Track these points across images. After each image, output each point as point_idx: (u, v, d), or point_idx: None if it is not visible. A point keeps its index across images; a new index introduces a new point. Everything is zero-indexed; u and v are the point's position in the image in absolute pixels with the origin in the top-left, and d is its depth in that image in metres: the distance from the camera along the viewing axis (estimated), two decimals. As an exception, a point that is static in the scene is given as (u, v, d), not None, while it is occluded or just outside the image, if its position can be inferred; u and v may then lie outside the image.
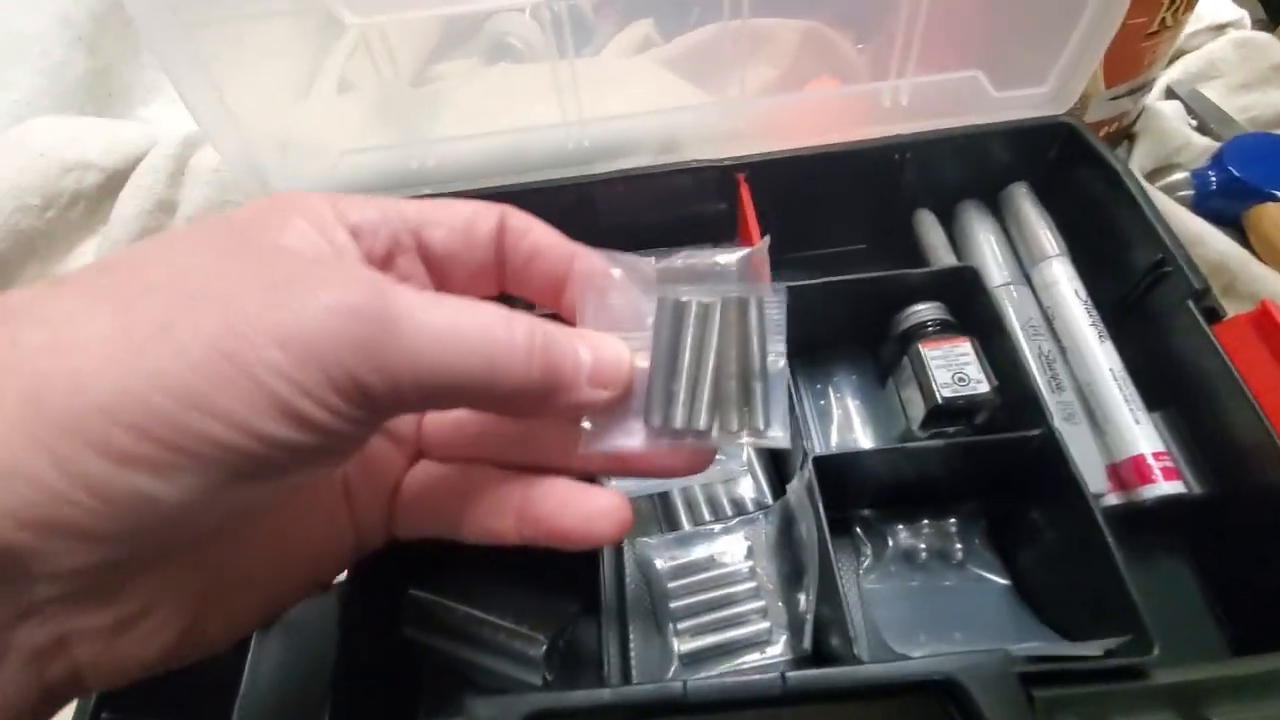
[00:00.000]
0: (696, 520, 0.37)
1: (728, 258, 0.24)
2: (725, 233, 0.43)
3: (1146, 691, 0.26)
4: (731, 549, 0.36)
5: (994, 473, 0.34)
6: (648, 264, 0.24)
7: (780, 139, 0.42)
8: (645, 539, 0.36)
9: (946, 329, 0.36)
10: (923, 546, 0.36)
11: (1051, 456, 0.30)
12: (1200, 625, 0.34)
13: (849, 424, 0.40)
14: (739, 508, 0.38)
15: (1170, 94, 0.60)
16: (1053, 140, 0.41)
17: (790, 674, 0.25)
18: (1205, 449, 0.34)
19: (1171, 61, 0.62)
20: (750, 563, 0.36)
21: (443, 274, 0.23)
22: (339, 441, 0.17)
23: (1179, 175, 0.49)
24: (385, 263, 0.22)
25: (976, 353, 0.35)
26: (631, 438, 0.22)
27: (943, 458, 0.33)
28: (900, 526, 0.36)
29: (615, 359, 0.21)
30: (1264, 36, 0.60)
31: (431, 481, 0.24)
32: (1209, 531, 0.34)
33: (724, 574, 0.35)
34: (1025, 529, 0.34)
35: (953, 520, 0.36)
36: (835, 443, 0.39)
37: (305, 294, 0.16)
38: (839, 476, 0.33)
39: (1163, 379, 0.36)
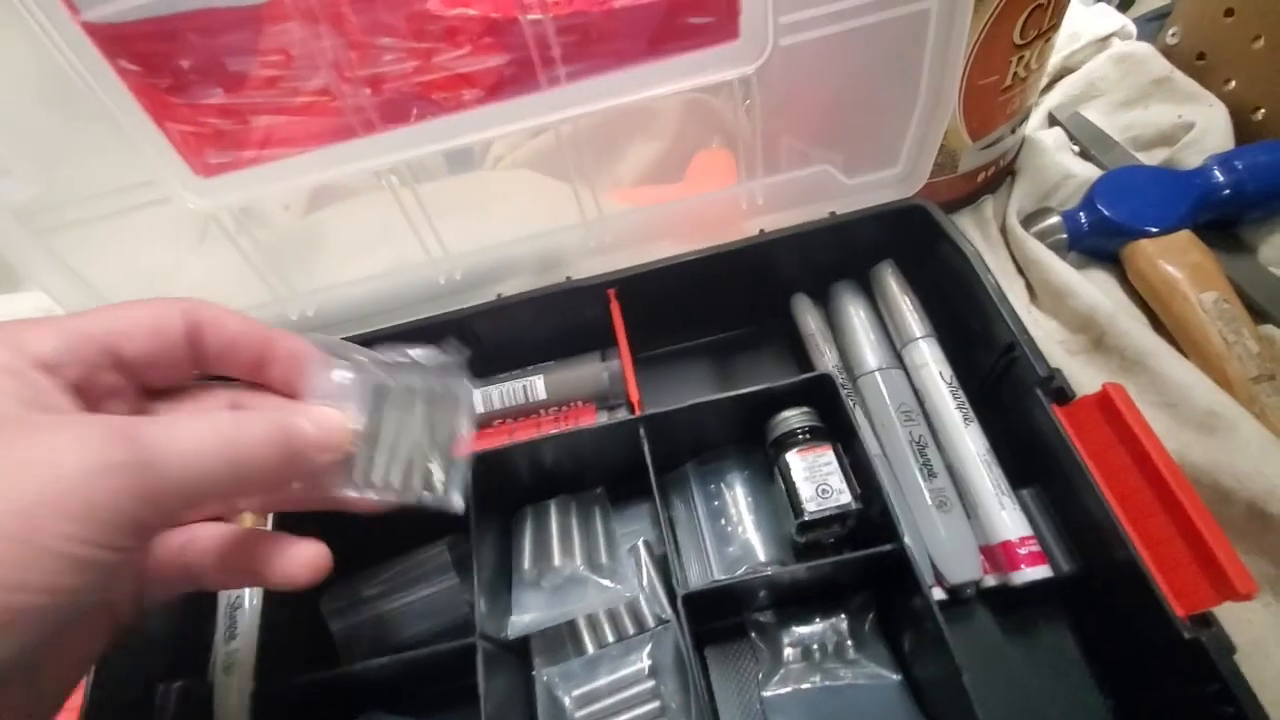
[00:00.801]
0: (600, 640, 0.38)
1: (428, 354, 0.30)
2: (605, 339, 0.44)
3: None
4: (634, 669, 0.37)
5: (862, 579, 0.35)
6: (358, 351, 0.29)
7: (652, 247, 0.43)
8: (551, 669, 0.38)
9: (813, 436, 0.37)
10: (816, 646, 0.37)
11: (905, 565, 0.32)
12: (1085, 695, 0.35)
13: (741, 520, 0.41)
14: (640, 624, 0.39)
15: (1053, 120, 0.60)
16: (910, 221, 0.42)
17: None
18: (1067, 526, 0.35)
19: (1053, 84, 0.63)
20: (653, 681, 0.37)
21: (144, 378, 0.25)
22: (121, 567, 0.19)
23: (1052, 220, 0.50)
24: (84, 386, 0.23)
25: (839, 460, 0.36)
26: (346, 488, 0.27)
27: (810, 576, 0.34)
28: (794, 627, 0.38)
29: (338, 429, 0.25)
30: (1143, 49, 0.60)
31: (171, 552, 0.27)
32: (1082, 604, 0.36)
33: (628, 697, 0.36)
34: (904, 621, 0.35)
35: (843, 615, 0.37)
36: (731, 550, 0.40)
37: (62, 459, 0.18)
38: (719, 600, 0.34)
39: (1027, 457, 0.37)
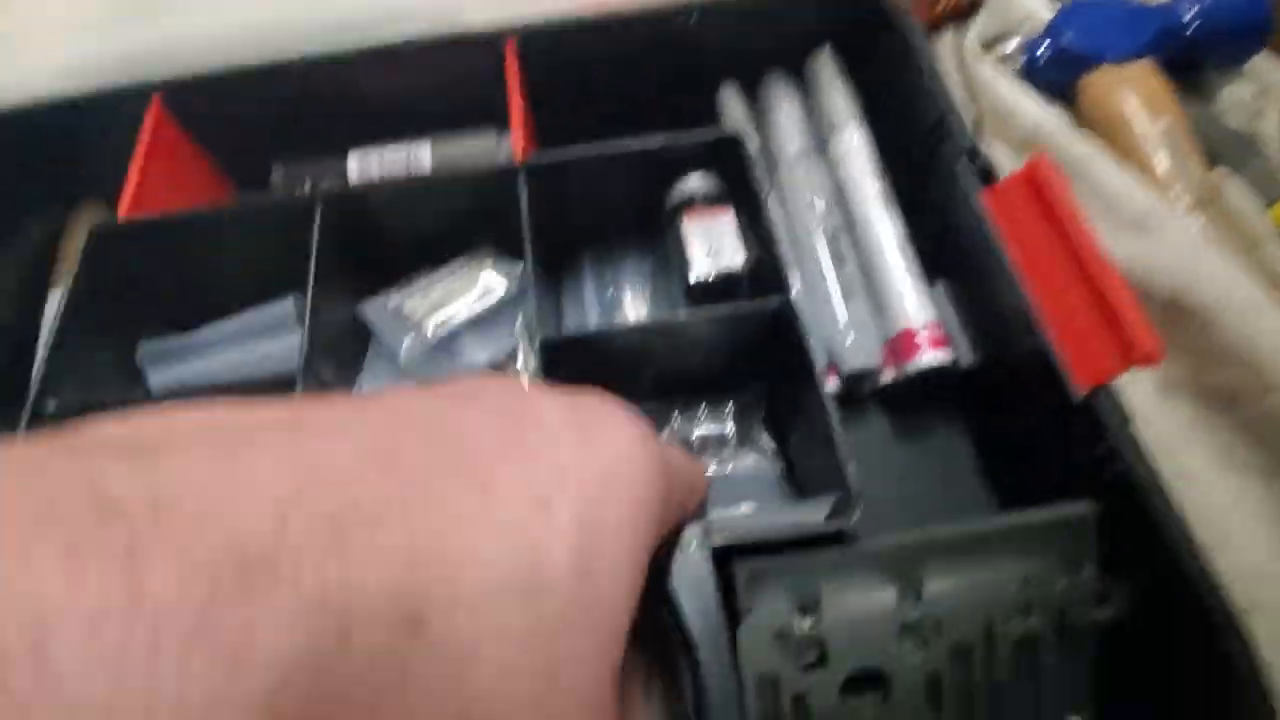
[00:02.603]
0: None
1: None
2: (503, 114, 0.39)
3: (855, 556, 0.24)
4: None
5: (750, 349, 0.32)
6: None
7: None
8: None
9: (713, 200, 0.33)
10: (698, 433, 0.34)
11: (790, 326, 0.29)
12: (975, 489, 0.33)
13: (634, 309, 0.37)
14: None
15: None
16: (854, 4, 0.38)
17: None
18: (976, 318, 0.33)
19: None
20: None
21: None
22: None
23: (1011, 44, 0.46)
24: None
25: (739, 224, 0.32)
26: None
27: (688, 333, 0.31)
28: (676, 412, 0.35)
29: None
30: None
31: None
32: (977, 399, 0.33)
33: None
34: (789, 408, 0.32)
35: (730, 404, 0.35)
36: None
37: None
38: (586, 357, 0.31)
39: (945, 247, 0.34)
